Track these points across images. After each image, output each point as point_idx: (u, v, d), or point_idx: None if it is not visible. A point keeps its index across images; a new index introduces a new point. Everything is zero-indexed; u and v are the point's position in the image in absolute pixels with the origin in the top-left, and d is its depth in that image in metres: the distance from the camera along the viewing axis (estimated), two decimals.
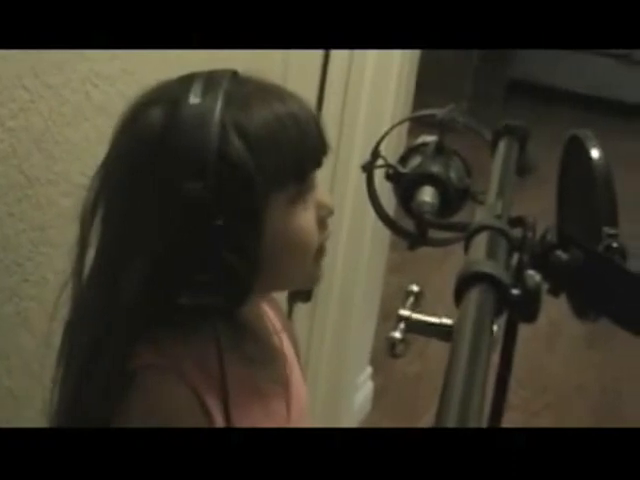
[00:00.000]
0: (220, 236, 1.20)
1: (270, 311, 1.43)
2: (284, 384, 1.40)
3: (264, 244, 1.24)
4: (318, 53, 2.63)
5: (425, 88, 2.97)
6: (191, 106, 1.22)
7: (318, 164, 1.32)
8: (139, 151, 1.25)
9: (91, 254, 1.29)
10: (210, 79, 1.25)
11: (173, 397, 1.26)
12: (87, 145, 1.43)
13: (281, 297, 2.73)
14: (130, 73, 1.32)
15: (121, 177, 1.27)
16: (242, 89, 1.26)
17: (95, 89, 1.34)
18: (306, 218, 1.30)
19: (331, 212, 1.35)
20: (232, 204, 1.21)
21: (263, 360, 1.38)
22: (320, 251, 1.35)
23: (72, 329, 1.30)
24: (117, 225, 1.27)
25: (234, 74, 1.28)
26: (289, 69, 2.40)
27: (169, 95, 1.25)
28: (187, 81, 1.25)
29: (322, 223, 1.34)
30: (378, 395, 3.17)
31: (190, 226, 1.20)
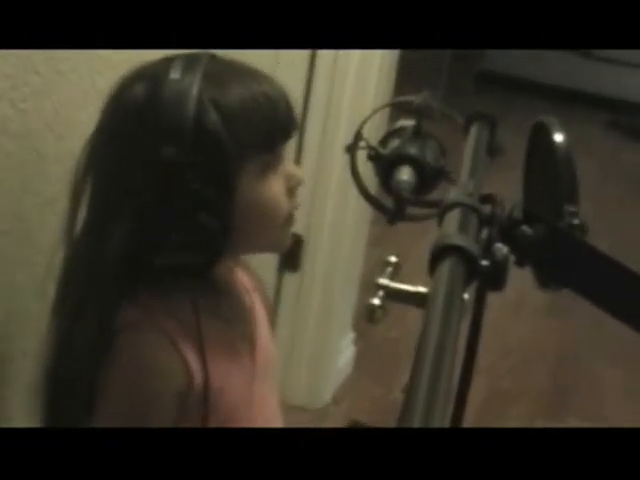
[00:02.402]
0: (194, 199, 1.22)
1: (242, 274, 1.44)
2: (251, 339, 1.41)
3: (236, 209, 1.26)
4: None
5: (404, 78, 2.96)
6: (171, 81, 1.24)
7: (287, 137, 1.34)
8: (124, 121, 1.28)
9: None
10: (190, 59, 1.28)
11: (153, 350, 1.28)
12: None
13: (271, 266, 2.73)
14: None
15: (108, 145, 1.29)
16: (219, 68, 1.29)
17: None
18: (275, 186, 1.32)
19: (299, 182, 1.37)
20: (206, 170, 1.23)
21: (234, 317, 1.39)
22: (289, 218, 1.36)
23: (63, 288, 1.32)
24: (103, 189, 1.29)
25: (212, 56, 1.30)
26: (280, 58, 2.40)
27: (152, 72, 1.27)
28: (169, 60, 1.28)
29: (291, 192, 1.36)
30: (360, 357, 3.17)
31: (166, 189, 1.22)
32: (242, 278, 1.43)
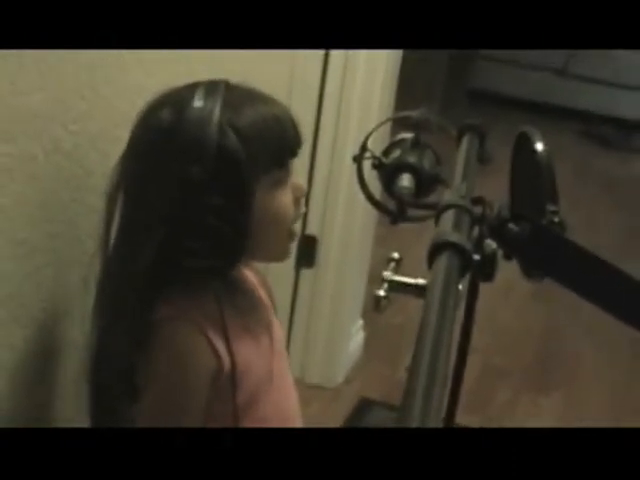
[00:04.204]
0: (217, 211, 1.23)
1: (248, 272, 1.45)
2: (267, 326, 1.42)
3: (252, 217, 1.27)
4: (318, 70, 2.62)
5: (403, 96, 2.95)
6: (195, 108, 1.25)
7: (294, 154, 1.35)
8: (152, 144, 1.28)
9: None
10: (210, 87, 1.28)
11: (187, 341, 1.29)
12: None
13: (290, 263, 2.73)
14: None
15: (138, 164, 1.30)
16: (235, 95, 1.29)
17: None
18: (285, 197, 1.33)
19: (304, 193, 1.38)
20: (227, 186, 1.24)
21: (251, 308, 1.40)
22: (292, 233, 1.37)
23: (102, 289, 1.33)
24: (135, 203, 1.30)
25: (228, 84, 1.31)
26: (293, 81, 2.40)
27: (176, 99, 1.28)
28: (191, 88, 1.28)
29: (297, 201, 1.36)
30: (368, 342, 3.16)
31: (193, 203, 1.23)
32: (249, 276, 1.44)
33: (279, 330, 1.47)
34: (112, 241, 1.33)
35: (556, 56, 6.37)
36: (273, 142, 1.30)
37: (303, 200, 1.38)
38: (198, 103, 1.25)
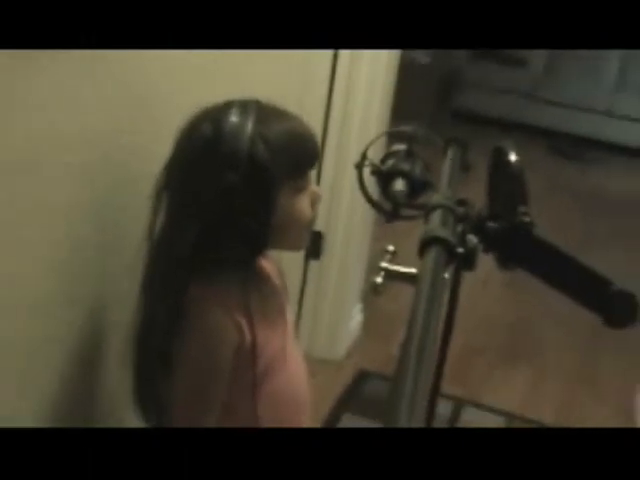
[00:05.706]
0: (246, 210, 1.24)
1: (266, 262, 1.44)
2: (282, 310, 1.44)
3: (275, 218, 1.28)
4: (325, 90, 2.62)
5: (398, 115, 2.95)
6: (231, 123, 1.26)
7: (312, 165, 1.36)
8: (194, 153, 1.28)
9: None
10: (243, 104, 1.29)
11: (215, 319, 1.30)
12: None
13: (299, 255, 2.72)
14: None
15: (181, 170, 1.30)
16: (265, 112, 1.29)
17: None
18: (303, 202, 1.34)
19: (319, 198, 1.38)
20: (255, 189, 1.24)
21: (270, 292, 1.41)
22: (309, 227, 1.38)
23: (148, 272, 1.34)
24: (177, 203, 1.31)
25: (258, 102, 1.31)
26: (303, 100, 2.39)
27: (214, 115, 1.28)
28: (227, 106, 1.29)
29: (313, 205, 1.37)
30: (367, 323, 3.16)
31: (226, 204, 1.24)
32: (267, 266, 1.45)
33: (290, 315, 1.48)
34: (157, 233, 1.33)
35: (525, 82, 6.36)
36: (295, 154, 1.31)
37: (319, 204, 1.39)
38: (234, 118, 1.26)
